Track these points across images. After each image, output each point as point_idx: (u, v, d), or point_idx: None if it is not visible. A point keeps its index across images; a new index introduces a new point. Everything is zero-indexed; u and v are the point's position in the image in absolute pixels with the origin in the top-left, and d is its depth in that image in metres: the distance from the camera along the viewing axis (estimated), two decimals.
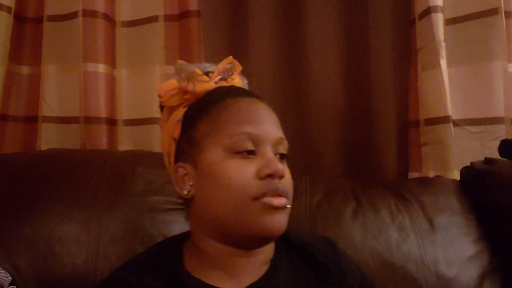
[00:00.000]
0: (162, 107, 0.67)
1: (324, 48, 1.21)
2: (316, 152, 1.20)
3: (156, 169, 0.91)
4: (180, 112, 0.62)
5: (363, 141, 1.20)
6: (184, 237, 0.65)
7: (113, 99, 1.24)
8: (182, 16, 1.22)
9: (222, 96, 0.61)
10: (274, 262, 0.61)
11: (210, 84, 0.62)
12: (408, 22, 1.20)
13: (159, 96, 0.63)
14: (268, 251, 0.61)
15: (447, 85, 1.08)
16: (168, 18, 1.23)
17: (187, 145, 0.60)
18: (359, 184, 1.01)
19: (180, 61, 0.62)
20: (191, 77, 0.61)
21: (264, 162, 0.56)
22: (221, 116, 0.58)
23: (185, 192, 0.59)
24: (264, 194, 0.55)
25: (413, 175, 1.17)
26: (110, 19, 1.24)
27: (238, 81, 0.67)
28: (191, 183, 0.59)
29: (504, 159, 0.97)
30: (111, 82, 1.23)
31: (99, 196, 0.84)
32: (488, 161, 0.98)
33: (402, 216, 0.90)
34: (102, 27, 1.20)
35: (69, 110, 1.21)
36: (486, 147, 1.09)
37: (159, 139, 1.18)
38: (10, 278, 0.73)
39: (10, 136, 1.23)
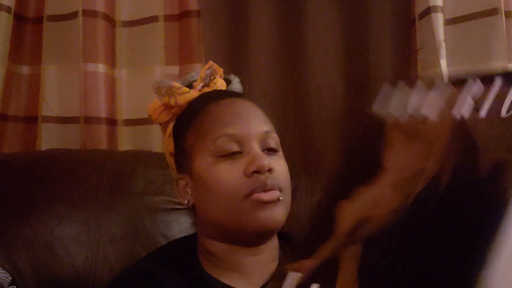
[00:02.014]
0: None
1: (324, 48, 1.21)
2: (316, 152, 1.20)
3: (156, 169, 0.91)
4: (170, 127, 0.64)
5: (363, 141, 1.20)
6: (195, 238, 0.66)
7: (113, 99, 1.24)
8: (182, 16, 1.21)
9: (203, 103, 0.62)
10: (282, 263, 0.62)
11: (191, 94, 0.63)
12: (408, 22, 1.20)
13: (149, 116, 0.65)
14: (273, 248, 0.62)
15: None
16: (168, 18, 1.23)
17: (181, 157, 0.62)
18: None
19: (156, 80, 0.63)
20: (170, 92, 0.62)
21: (249, 159, 0.56)
22: (204, 124, 0.59)
23: (185, 202, 0.62)
24: (253, 191, 0.55)
25: None
26: (110, 19, 1.23)
27: (221, 84, 0.67)
28: (190, 192, 0.61)
29: None
30: (111, 82, 1.23)
31: (99, 196, 0.84)
32: None
33: None
34: (102, 27, 1.20)
35: (69, 110, 1.21)
36: None
37: (159, 139, 1.19)
38: (10, 278, 0.73)
39: (10, 136, 1.23)
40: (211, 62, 0.66)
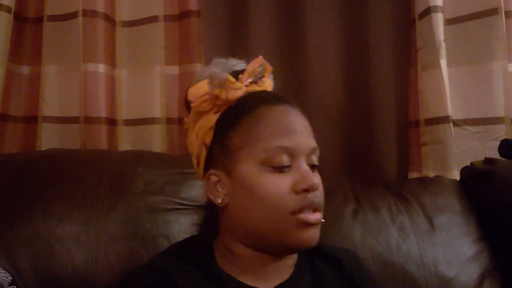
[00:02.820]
0: (188, 107, 0.66)
1: (324, 48, 1.21)
2: None
3: (156, 169, 0.91)
4: (211, 118, 0.61)
5: (363, 141, 1.20)
6: (211, 235, 0.66)
7: (113, 99, 1.24)
8: (182, 16, 1.21)
9: (254, 104, 0.60)
10: (299, 265, 0.63)
11: (242, 90, 0.61)
12: (408, 22, 1.20)
13: (190, 101, 0.62)
14: (294, 255, 0.63)
15: (447, 85, 1.08)
16: (168, 18, 1.23)
17: (220, 153, 0.60)
18: (359, 184, 1.01)
19: (213, 69, 0.60)
20: (223, 85, 0.59)
21: (300, 176, 0.56)
22: (255, 128, 0.58)
23: (219, 201, 0.60)
24: (301, 210, 0.55)
25: (413, 175, 1.17)
26: (110, 19, 1.24)
27: (269, 84, 0.65)
28: (225, 192, 0.59)
29: (504, 159, 0.97)
30: (111, 82, 1.23)
31: (99, 196, 0.84)
32: (488, 161, 0.98)
33: (402, 216, 0.90)
34: (102, 27, 1.20)
35: (69, 110, 1.21)
36: (486, 147, 1.09)
37: (159, 139, 1.20)
38: (10, 278, 0.73)
39: (10, 136, 1.23)
40: (262, 58, 0.63)
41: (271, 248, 0.59)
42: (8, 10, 1.16)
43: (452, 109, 1.09)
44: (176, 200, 0.87)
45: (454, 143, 1.08)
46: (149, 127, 1.21)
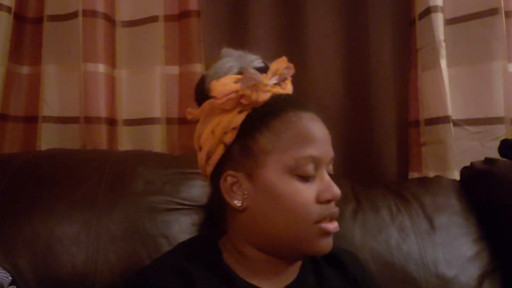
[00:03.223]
0: (199, 101, 0.64)
1: (324, 48, 1.21)
2: None
3: (156, 169, 0.91)
4: (236, 118, 0.58)
5: (363, 141, 1.20)
6: (215, 235, 0.66)
7: (113, 99, 1.24)
8: (182, 16, 1.22)
9: (282, 108, 0.59)
10: (303, 267, 0.63)
11: (270, 93, 0.60)
12: (408, 22, 1.20)
13: (216, 98, 0.58)
14: None
15: (447, 85, 1.08)
16: (168, 18, 1.23)
17: (242, 155, 0.58)
18: (359, 184, 1.01)
19: (250, 70, 0.59)
20: (256, 87, 0.58)
21: (324, 187, 0.57)
22: (284, 134, 0.57)
23: (238, 204, 0.59)
24: (324, 219, 0.56)
25: (413, 175, 1.17)
26: (110, 19, 1.24)
27: (290, 87, 0.65)
28: (245, 195, 0.58)
29: (504, 159, 0.97)
30: (111, 82, 1.23)
31: (99, 196, 0.84)
32: (488, 161, 0.99)
33: (402, 216, 0.90)
34: (102, 27, 1.20)
35: (69, 110, 1.21)
36: (486, 147, 1.09)
37: (159, 139, 1.20)
38: (10, 278, 0.73)
39: (10, 136, 1.23)
40: (286, 58, 0.62)
41: (287, 254, 0.59)
42: (8, 10, 1.16)
43: (452, 109, 1.09)
44: (176, 200, 0.87)
45: (454, 143, 1.08)
46: (149, 127, 1.21)
